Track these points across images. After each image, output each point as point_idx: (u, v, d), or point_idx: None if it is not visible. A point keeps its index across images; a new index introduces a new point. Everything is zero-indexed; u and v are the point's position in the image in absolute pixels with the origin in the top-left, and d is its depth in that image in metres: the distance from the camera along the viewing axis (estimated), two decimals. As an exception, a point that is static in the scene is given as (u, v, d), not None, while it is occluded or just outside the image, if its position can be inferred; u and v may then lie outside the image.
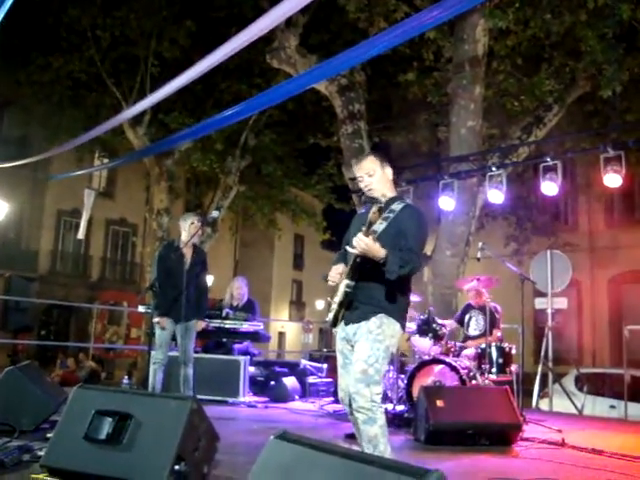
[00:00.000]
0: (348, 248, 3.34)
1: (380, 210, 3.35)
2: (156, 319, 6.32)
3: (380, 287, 3.38)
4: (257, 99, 7.37)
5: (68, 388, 4.13)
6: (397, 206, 3.54)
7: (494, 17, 9.25)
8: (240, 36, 4.78)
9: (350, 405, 3.40)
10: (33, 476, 3.38)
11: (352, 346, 3.48)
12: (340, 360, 3.58)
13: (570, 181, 16.16)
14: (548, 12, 9.61)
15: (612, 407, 11.12)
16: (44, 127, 16.35)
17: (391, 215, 3.49)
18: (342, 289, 3.41)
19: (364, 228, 3.22)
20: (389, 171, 3.68)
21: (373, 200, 3.43)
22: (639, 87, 10.59)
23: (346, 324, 3.50)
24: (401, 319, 3.51)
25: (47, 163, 19.70)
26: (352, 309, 3.46)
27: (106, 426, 3.34)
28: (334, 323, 3.54)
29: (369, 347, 3.35)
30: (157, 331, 6.36)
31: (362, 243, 3.16)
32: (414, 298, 7.87)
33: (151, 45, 13.40)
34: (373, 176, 3.60)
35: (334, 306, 3.51)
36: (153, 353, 6.32)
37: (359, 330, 3.42)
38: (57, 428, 3.55)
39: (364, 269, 3.31)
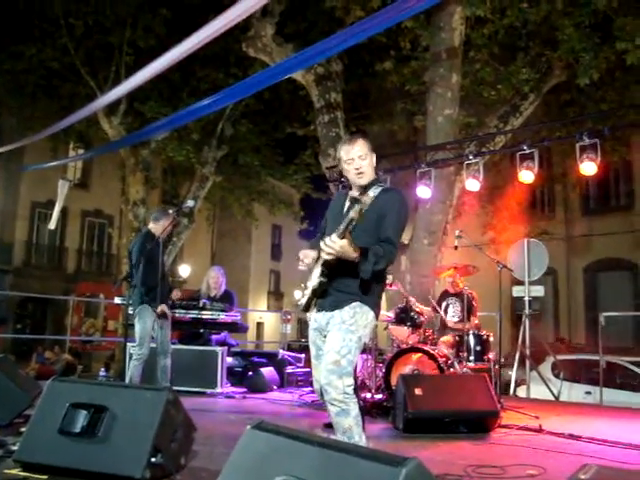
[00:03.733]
0: (322, 254, 3.18)
1: (361, 211, 3.14)
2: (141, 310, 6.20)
3: (355, 275, 3.28)
4: (234, 89, 7.27)
5: (44, 382, 4.07)
6: (374, 191, 3.47)
7: (472, 5, 9.26)
8: (215, 23, 4.71)
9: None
10: (6, 471, 3.33)
11: (325, 336, 3.42)
12: (313, 351, 3.52)
13: (546, 170, 16.25)
14: (525, 1, 9.64)
15: (588, 393, 11.25)
16: (17, 117, 16.09)
17: (368, 201, 3.41)
18: (316, 279, 3.35)
19: (342, 227, 3.04)
20: (374, 158, 3.57)
21: (357, 202, 3.19)
22: (614, 77, 10.66)
23: (318, 311, 3.45)
24: (375, 307, 3.45)
25: (20, 154, 19.42)
26: (326, 296, 3.40)
27: (81, 419, 3.30)
28: (306, 308, 3.48)
29: (341, 338, 3.27)
30: (140, 325, 6.19)
31: (336, 246, 3.02)
32: (392, 287, 7.92)
33: (126, 33, 13.19)
34: (366, 160, 3.48)
35: (307, 292, 3.45)
36: (135, 349, 6.18)
37: (332, 320, 3.36)
38: (31, 422, 3.50)
39: (338, 261, 3.21)
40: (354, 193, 3.56)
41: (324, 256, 3.16)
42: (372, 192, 3.47)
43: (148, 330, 6.21)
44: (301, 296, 3.53)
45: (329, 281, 3.34)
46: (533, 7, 9.66)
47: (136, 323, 6.24)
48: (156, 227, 6.46)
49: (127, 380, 6.11)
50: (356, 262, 3.13)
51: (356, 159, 3.47)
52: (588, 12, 9.28)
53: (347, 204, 3.53)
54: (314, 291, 3.39)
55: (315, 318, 3.48)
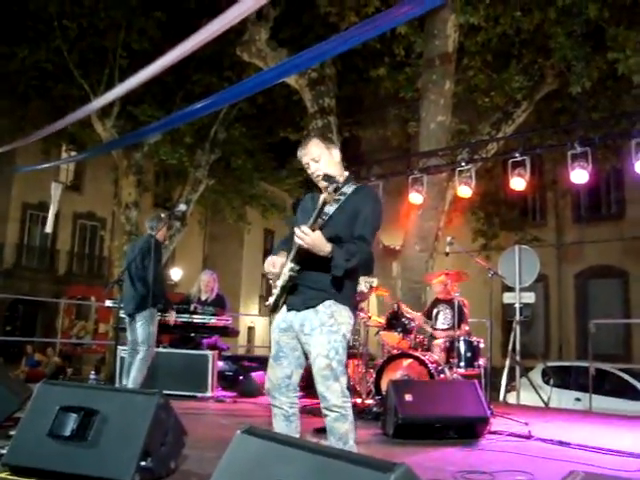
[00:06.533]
0: (295, 239, 3.08)
1: (336, 190, 3.10)
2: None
3: (326, 270, 3.12)
4: (227, 92, 7.29)
5: (33, 384, 4.05)
6: (348, 188, 3.33)
7: (465, 13, 9.32)
8: (210, 26, 4.72)
9: (276, 397, 3.27)
10: (-5, 474, 3.32)
11: (294, 338, 3.27)
12: (274, 351, 3.32)
13: (537, 178, 16.33)
14: (518, 9, 9.71)
15: (577, 399, 11.30)
16: (8, 118, 16.01)
17: (342, 197, 3.28)
18: (287, 273, 3.20)
19: (311, 219, 3.01)
20: (336, 153, 3.43)
21: (329, 180, 3.12)
22: (606, 85, 10.74)
23: (288, 310, 3.29)
24: (350, 305, 3.29)
25: (12, 155, 19.30)
26: (296, 293, 3.25)
27: (71, 422, 3.29)
28: (274, 308, 3.35)
29: (326, 341, 3.15)
30: (151, 328, 6.24)
31: (307, 238, 2.94)
32: (383, 293, 7.93)
33: (120, 36, 13.17)
34: (319, 162, 3.35)
35: (276, 290, 3.32)
36: (144, 352, 6.18)
37: (307, 323, 3.20)
38: (20, 425, 3.48)
39: (311, 253, 3.09)
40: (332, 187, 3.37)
41: (297, 241, 3.04)
42: (346, 189, 3.33)
43: (155, 333, 6.26)
44: (269, 295, 3.41)
45: (301, 277, 3.21)
46: (526, 15, 9.73)
47: (144, 326, 6.21)
48: (158, 235, 6.49)
49: (130, 385, 6.08)
50: (327, 258, 3.04)
51: (310, 163, 3.38)
52: (580, 21, 9.37)
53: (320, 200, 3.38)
54: (283, 287, 3.26)
55: (284, 318, 3.32)
